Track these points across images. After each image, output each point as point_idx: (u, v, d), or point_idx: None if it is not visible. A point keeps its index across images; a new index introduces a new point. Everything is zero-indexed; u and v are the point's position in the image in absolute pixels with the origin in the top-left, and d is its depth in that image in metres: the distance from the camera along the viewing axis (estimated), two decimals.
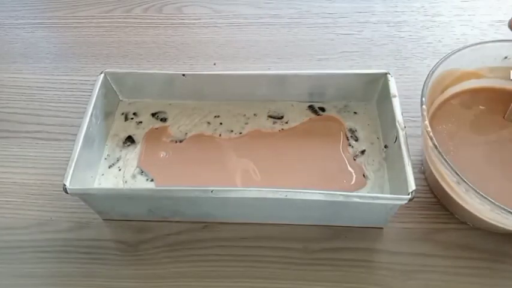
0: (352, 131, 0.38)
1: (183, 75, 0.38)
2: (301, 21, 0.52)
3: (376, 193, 0.34)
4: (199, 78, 0.39)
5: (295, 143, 0.38)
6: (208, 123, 0.40)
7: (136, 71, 0.40)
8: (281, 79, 0.39)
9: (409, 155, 0.31)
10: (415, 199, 0.30)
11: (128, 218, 0.36)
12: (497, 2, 0.52)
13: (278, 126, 0.39)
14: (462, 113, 0.37)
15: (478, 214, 0.31)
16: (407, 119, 0.38)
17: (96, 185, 0.36)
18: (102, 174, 0.37)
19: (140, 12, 0.54)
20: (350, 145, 0.37)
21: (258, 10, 0.53)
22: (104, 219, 0.36)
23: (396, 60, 0.47)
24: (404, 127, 0.33)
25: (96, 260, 0.34)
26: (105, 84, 0.39)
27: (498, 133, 0.36)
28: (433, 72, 0.33)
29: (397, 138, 0.33)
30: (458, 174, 0.28)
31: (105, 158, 0.38)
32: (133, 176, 0.37)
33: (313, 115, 0.40)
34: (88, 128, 0.35)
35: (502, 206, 0.27)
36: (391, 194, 0.34)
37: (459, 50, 0.35)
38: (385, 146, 0.36)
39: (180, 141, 0.39)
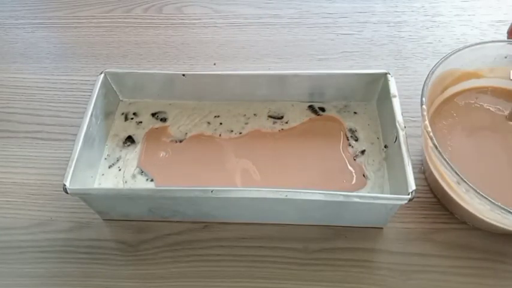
0: (352, 131, 0.38)
1: (183, 75, 0.39)
2: (301, 21, 0.52)
3: (376, 193, 0.34)
4: (199, 78, 0.39)
5: (295, 143, 0.38)
6: (208, 123, 0.40)
7: (136, 71, 0.40)
8: (281, 79, 0.39)
9: (409, 155, 0.31)
10: (415, 199, 0.30)
11: (128, 218, 0.36)
12: (497, 2, 0.52)
13: (278, 126, 0.39)
14: (462, 113, 0.37)
15: (478, 214, 0.31)
16: (407, 119, 0.38)
17: (96, 185, 0.36)
18: (102, 174, 0.37)
19: (140, 12, 0.54)
20: (350, 145, 0.37)
21: (258, 10, 0.53)
22: (104, 219, 0.36)
23: (396, 60, 0.47)
24: (405, 127, 0.33)
25: (97, 260, 0.34)
26: (105, 84, 0.39)
27: (498, 133, 0.36)
28: (433, 72, 0.33)
29: (397, 138, 0.33)
30: (458, 174, 0.28)
31: (105, 158, 0.38)
32: (134, 176, 0.37)
33: (313, 115, 0.40)
34: (88, 128, 0.35)
35: (502, 206, 0.27)
36: (391, 194, 0.34)
37: (459, 50, 0.35)
38: (385, 146, 0.36)
39: (180, 141, 0.39)
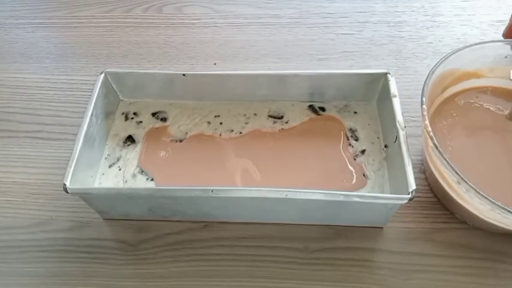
0: (352, 130, 0.38)
1: (183, 75, 0.39)
2: (301, 21, 0.52)
3: (377, 193, 0.34)
4: (200, 78, 0.39)
5: (295, 142, 0.38)
6: (209, 122, 0.40)
7: (136, 70, 0.40)
8: (281, 79, 0.39)
9: (409, 155, 0.31)
10: (415, 199, 0.30)
11: (128, 218, 0.36)
12: (497, 2, 0.52)
13: (278, 126, 0.39)
14: (462, 112, 0.37)
15: (478, 214, 0.31)
16: (407, 119, 0.38)
17: (96, 185, 0.36)
18: (103, 174, 0.37)
19: (140, 12, 0.54)
20: (350, 145, 0.38)
21: (258, 10, 0.53)
22: (104, 219, 0.36)
23: (396, 60, 0.47)
24: (405, 127, 0.33)
25: (97, 260, 0.34)
26: (106, 84, 0.39)
27: (498, 133, 0.36)
28: (433, 72, 0.33)
29: (397, 138, 0.33)
30: (458, 174, 0.28)
31: (106, 158, 0.38)
32: (134, 176, 0.37)
33: (313, 115, 0.40)
34: (88, 127, 0.35)
35: (502, 205, 0.27)
36: (391, 193, 0.34)
37: (459, 50, 0.35)
38: (385, 146, 0.36)
39: (180, 141, 0.39)
